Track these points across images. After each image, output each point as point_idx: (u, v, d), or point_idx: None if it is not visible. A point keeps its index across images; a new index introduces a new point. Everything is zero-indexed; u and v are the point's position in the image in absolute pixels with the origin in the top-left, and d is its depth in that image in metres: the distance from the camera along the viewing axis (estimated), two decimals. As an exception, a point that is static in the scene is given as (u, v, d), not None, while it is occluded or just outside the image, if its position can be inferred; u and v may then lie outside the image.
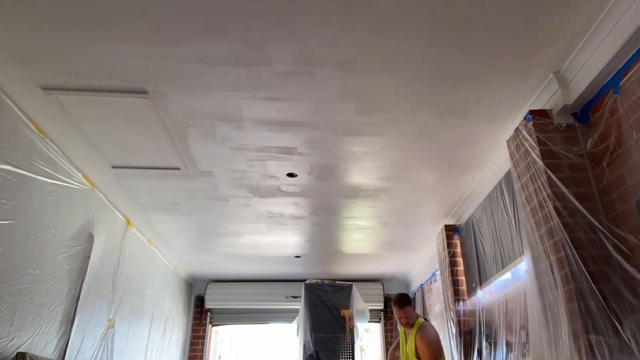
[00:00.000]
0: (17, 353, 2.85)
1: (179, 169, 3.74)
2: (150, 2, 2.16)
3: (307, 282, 6.07)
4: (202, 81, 2.72)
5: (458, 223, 4.78)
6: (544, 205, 2.58)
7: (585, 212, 2.44)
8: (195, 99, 2.88)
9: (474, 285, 4.28)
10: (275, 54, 2.50)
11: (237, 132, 3.25)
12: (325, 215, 4.80)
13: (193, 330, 7.21)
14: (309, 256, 6.24)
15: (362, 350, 7.66)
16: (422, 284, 6.52)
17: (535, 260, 2.66)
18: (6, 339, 2.77)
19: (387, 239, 5.56)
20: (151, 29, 2.31)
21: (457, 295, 4.53)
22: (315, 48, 2.46)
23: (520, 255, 3.27)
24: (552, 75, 2.67)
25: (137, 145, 3.40)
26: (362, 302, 5.80)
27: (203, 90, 2.80)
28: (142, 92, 2.80)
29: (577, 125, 2.70)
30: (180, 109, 2.98)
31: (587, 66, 2.45)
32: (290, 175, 3.88)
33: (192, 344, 7.12)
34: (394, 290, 7.43)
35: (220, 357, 7.89)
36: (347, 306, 5.71)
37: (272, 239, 5.55)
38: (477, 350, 3.99)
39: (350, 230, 5.25)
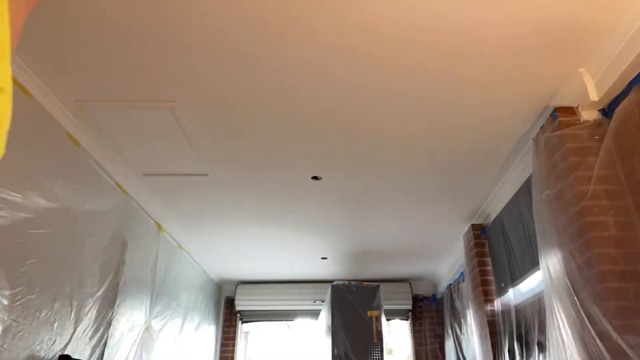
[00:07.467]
0: (60, 356, 2.98)
1: (206, 175, 3.83)
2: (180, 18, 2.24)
3: (334, 283, 6.09)
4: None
5: (485, 222, 4.72)
6: (573, 203, 2.55)
7: (616, 209, 2.39)
8: (223, 107, 2.96)
9: (503, 284, 4.22)
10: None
11: (266, 139, 3.31)
12: (351, 216, 4.83)
13: (224, 332, 7.34)
14: (335, 257, 6.27)
15: (390, 351, 7.64)
16: (450, 284, 6.46)
17: (565, 259, 2.62)
18: (48, 342, 2.90)
19: (414, 239, 5.54)
20: (183, 42, 2.40)
21: (485, 295, 4.48)
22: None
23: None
24: (578, 70, 2.62)
25: (167, 153, 3.50)
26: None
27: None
28: (171, 101, 2.89)
29: (604, 121, 2.65)
30: (208, 117, 3.07)
31: (614, 61, 2.40)
32: (315, 178, 3.92)
33: (222, 345, 7.24)
34: (422, 291, 7.40)
35: (250, 358, 7.99)
36: (375, 307, 5.70)
37: (299, 241, 5.61)
38: (508, 350, 3.94)
39: (377, 231, 5.26)
